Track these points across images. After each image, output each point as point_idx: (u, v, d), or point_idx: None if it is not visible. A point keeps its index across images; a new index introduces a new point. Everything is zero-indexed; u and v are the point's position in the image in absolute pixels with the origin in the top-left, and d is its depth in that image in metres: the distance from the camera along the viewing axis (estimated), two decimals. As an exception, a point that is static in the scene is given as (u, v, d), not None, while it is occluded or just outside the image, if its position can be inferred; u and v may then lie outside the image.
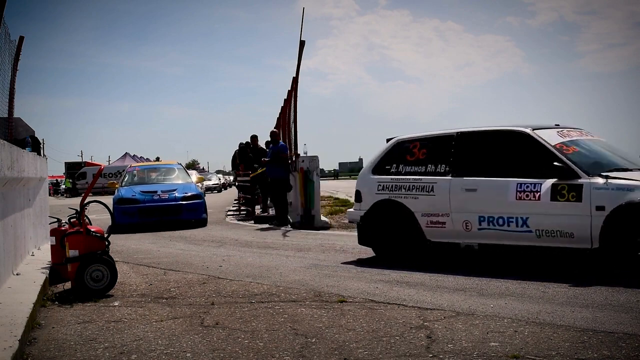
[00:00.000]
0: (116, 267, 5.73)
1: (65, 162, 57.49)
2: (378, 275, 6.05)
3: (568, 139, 6.23)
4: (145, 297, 5.45)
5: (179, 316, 4.66)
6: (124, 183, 14.08)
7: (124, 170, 17.20)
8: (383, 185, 7.02)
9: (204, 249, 8.82)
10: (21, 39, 8.65)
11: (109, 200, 9.69)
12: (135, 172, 14.90)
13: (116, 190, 13.41)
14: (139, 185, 13.79)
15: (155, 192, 13.12)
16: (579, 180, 5.65)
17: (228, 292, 5.52)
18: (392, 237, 6.88)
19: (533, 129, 6.22)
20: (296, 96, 12.88)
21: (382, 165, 7.21)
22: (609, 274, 5.53)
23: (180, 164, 15.66)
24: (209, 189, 35.29)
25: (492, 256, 6.92)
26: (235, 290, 5.59)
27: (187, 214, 12.86)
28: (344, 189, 29.57)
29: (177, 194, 13.01)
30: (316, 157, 11.84)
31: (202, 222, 13.08)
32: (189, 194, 13.12)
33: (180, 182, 14.05)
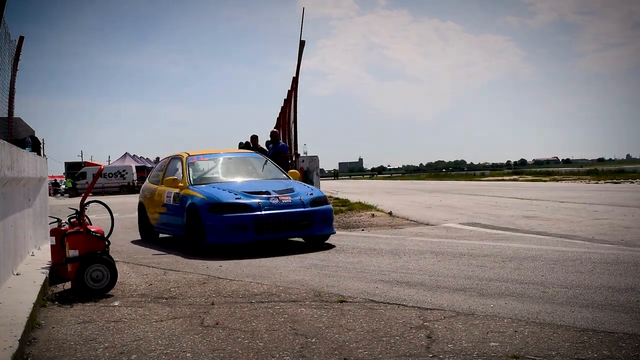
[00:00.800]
0: (116, 267, 5.73)
1: (65, 162, 57.70)
2: (378, 275, 6.05)
3: None
4: (145, 297, 5.45)
5: (179, 316, 4.66)
6: (192, 179, 9.06)
7: (157, 162, 10.98)
8: None
9: (204, 249, 8.80)
10: (21, 39, 8.67)
11: (110, 200, 9.61)
12: (200, 163, 9.67)
13: (189, 191, 8.69)
14: (222, 183, 8.94)
15: (268, 193, 8.35)
16: None
17: (228, 292, 5.52)
18: None
19: None
20: (296, 96, 12.92)
21: None
22: (609, 274, 5.53)
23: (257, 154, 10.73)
24: None
25: (492, 256, 6.92)
26: (235, 290, 5.59)
27: (319, 226, 8.34)
28: (344, 189, 29.55)
29: (301, 197, 8.43)
30: (316, 157, 11.92)
31: (325, 238, 8.72)
32: (315, 196, 8.60)
33: (283, 178, 9.57)
